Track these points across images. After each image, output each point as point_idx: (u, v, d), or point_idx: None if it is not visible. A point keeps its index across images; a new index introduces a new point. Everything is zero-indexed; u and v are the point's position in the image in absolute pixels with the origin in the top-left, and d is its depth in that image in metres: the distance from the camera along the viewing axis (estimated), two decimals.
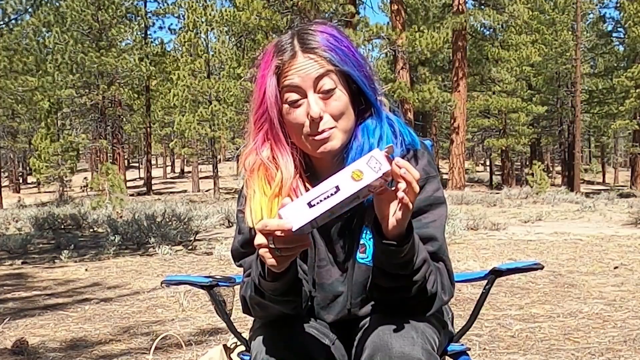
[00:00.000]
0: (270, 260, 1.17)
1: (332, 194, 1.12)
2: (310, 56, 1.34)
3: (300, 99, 1.34)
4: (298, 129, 1.35)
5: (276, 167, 1.39)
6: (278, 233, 1.12)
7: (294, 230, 1.11)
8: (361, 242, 1.42)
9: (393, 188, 1.18)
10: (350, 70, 1.36)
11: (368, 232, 1.40)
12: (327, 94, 1.34)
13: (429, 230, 1.36)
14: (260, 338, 1.37)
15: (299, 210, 1.11)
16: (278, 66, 1.34)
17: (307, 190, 1.36)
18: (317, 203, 1.12)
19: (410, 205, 1.17)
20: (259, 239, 1.16)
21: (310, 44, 1.35)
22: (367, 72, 1.40)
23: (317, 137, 1.34)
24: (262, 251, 1.17)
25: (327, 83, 1.34)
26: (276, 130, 1.37)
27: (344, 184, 1.12)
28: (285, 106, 1.35)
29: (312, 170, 1.43)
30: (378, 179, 1.12)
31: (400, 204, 1.17)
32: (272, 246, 1.15)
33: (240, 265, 1.50)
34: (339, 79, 1.36)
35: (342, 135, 1.36)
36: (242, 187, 1.49)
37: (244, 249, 1.47)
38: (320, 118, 1.33)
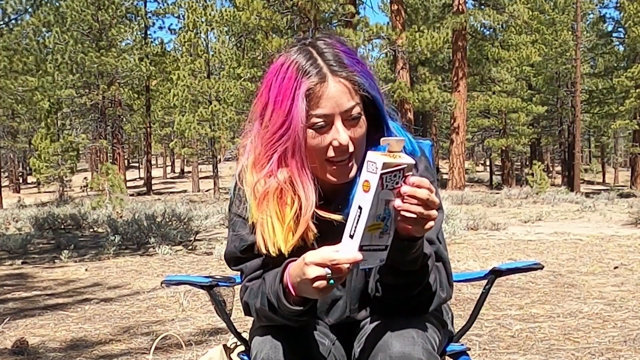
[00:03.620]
0: (323, 290, 1.18)
1: (358, 216, 1.14)
2: (342, 81, 1.30)
3: (327, 125, 1.31)
4: (320, 154, 1.33)
5: (293, 192, 1.35)
6: (346, 266, 1.14)
7: (360, 259, 1.15)
8: None
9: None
10: (376, 95, 1.35)
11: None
12: (354, 121, 1.32)
13: (426, 234, 1.36)
14: (260, 338, 1.37)
15: (347, 245, 1.16)
16: (310, 88, 1.29)
17: (319, 217, 1.36)
18: (354, 230, 1.15)
19: (416, 218, 1.17)
20: (317, 271, 1.15)
21: (339, 65, 1.31)
22: (382, 95, 1.39)
23: (341, 165, 1.33)
24: (318, 283, 1.16)
25: (356, 111, 1.32)
26: (301, 155, 1.32)
27: (362, 201, 1.14)
28: (311, 131, 1.31)
29: (321, 197, 1.38)
30: (381, 180, 1.12)
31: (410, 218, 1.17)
32: (329, 275, 1.16)
33: (239, 270, 1.48)
34: (362, 105, 1.34)
35: (357, 164, 1.35)
36: (236, 189, 1.46)
37: (243, 255, 1.44)
38: (347, 146, 1.31)
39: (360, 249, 1.15)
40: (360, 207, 1.14)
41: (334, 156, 1.32)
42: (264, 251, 1.36)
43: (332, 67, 1.31)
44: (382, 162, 1.12)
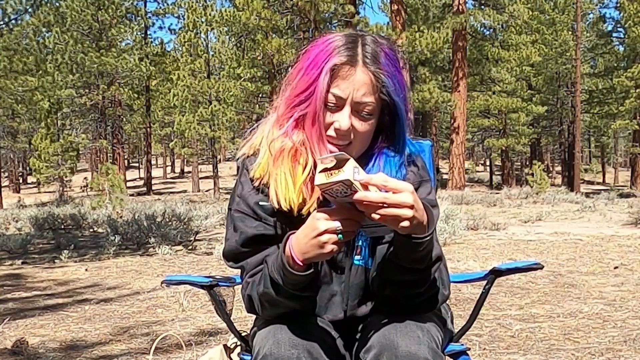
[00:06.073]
0: (331, 246, 1.22)
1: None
2: (368, 74, 1.35)
3: (337, 107, 1.36)
4: (325, 127, 1.38)
5: (307, 154, 1.40)
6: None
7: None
8: (357, 244, 1.43)
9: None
10: (399, 102, 1.38)
11: (363, 234, 1.41)
12: (363, 117, 1.37)
13: None
14: (262, 333, 1.37)
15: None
16: (336, 64, 1.34)
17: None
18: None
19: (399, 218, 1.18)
20: (327, 224, 1.20)
21: (373, 60, 1.36)
22: (408, 107, 1.42)
23: (341, 146, 1.37)
24: (327, 237, 1.21)
25: (369, 109, 1.36)
26: (319, 125, 1.37)
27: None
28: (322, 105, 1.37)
29: None
30: (327, 195, 1.22)
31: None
32: (339, 230, 1.21)
33: (239, 267, 1.48)
34: (379, 106, 1.38)
35: (356, 154, 1.38)
36: (236, 187, 1.49)
37: (245, 248, 1.45)
38: (348, 132, 1.36)
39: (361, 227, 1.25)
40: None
41: (332, 136, 1.37)
42: (276, 205, 1.40)
43: (366, 58, 1.36)
44: (316, 184, 1.21)
